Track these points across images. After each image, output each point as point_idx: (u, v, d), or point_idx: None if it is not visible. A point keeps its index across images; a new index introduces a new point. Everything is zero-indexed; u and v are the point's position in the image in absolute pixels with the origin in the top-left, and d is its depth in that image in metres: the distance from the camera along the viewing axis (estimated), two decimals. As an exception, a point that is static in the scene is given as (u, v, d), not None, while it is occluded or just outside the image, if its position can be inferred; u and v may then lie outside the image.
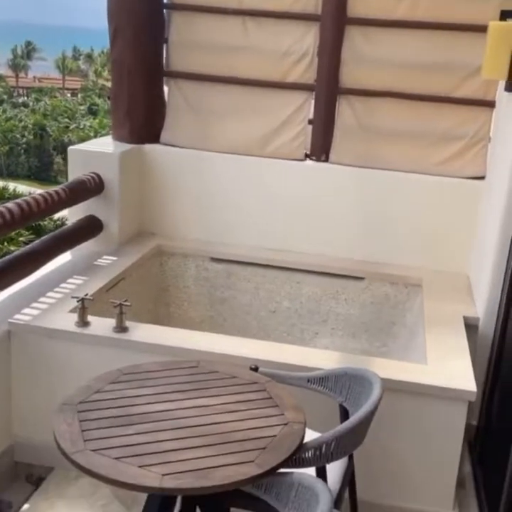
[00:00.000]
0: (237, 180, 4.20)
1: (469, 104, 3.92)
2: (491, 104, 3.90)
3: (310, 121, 4.20)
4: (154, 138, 4.31)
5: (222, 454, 1.96)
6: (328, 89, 4.09)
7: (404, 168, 4.02)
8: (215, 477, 1.86)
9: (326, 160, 4.17)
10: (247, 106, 4.22)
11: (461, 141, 3.98)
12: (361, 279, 4.06)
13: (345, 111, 4.11)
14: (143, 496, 2.25)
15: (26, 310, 3.11)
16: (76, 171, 3.92)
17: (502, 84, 3.59)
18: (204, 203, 4.26)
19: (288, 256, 4.17)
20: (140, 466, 1.88)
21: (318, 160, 4.19)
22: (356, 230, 4.13)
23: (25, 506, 2.85)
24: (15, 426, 3.09)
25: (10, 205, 3.16)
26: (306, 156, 4.23)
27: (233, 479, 1.86)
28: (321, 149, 4.18)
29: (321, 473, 2.16)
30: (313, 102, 4.18)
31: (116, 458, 1.91)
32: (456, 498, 2.85)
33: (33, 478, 3.04)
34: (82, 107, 48.08)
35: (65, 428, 2.02)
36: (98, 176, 3.89)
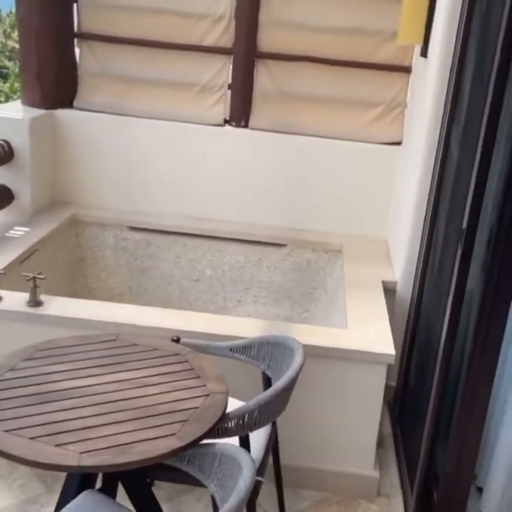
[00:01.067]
0: (155, 146, 4.09)
1: (386, 69, 3.94)
2: (407, 70, 3.94)
3: (229, 86, 4.12)
4: (67, 102, 4.13)
5: (144, 428, 1.92)
6: (246, 53, 4.02)
7: (323, 133, 4.02)
8: (135, 452, 1.82)
9: (246, 126, 4.11)
10: (163, 69, 4.09)
11: (378, 106, 4.00)
12: (283, 246, 4.07)
13: (263, 75, 4.05)
14: (63, 473, 2.19)
15: None
16: (-17, 138, 3.72)
17: (418, 49, 3.63)
18: (121, 170, 4.14)
19: (209, 224, 4.12)
20: (57, 445, 1.82)
21: (237, 125, 4.13)
22: (277, 197, 4.12)
23: None
24: None
25: None
26: (226, 121, 4.16)
27: (154, 454, 1.83)
28: (240, 115, 4.12)
29: (245, 442, 2.16)
30: (231, 66, 4.10)
31: (31, 438, 1.84)
32: (376, 458, 2.93)
33: None
34: (-9, 70, 45.79)
35: (-25, 409, 1.93)
36: (7, 143, 3.70)
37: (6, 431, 1.85)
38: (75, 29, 4.10)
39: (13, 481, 2.81)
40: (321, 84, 4.00)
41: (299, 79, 4.00)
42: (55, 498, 2.39)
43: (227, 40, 4.01)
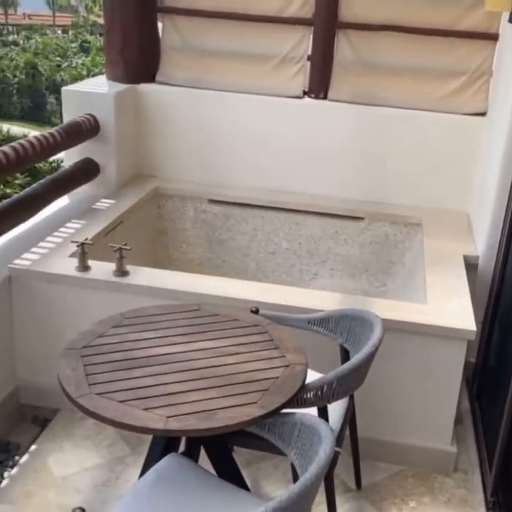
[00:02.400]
0: (235, 119, 4.13)
1: (472, 37, 3.81)
2: (494, 37, 3.80)
3: (308, 57, 4.09)
4: (150, 77, 4.21)
5: (226, 396, 1.99)
6: (327, 24, 3.97)
7: (405, 104, 3.94)
8: (218, 418, 1.89)
9: (325, 97, 4.09)
10: (243, 42, 4.10)
11: (462, 76, 3.89)
12: (361, 219, 4.04)
13: (344, 46, 4.00)
14: (148, 436, 2.30)
15: (26, 255, 3.10)
16: (70, 112, 3.84)
17: (505, 16, 3.49)
18: (202, 143, 4.20)
19: (286, 197, 4.14)
20: (145, 409, 1.91)
21: (316, 97, 4.10)
22: (356, 169, 4.09)
23: (33, 447, 2.91)
24: (19, 369, 3.12)
25: (6, 148, 3.10)
26: (305, 93, 4.14)
27: (236, 420, 1.89)
28: (319, 86, 4.09)
29: (323, 413, 2.19)
30: (311, 37, 4.07)
31: (121, 401, 1.93)
32: (454, 434, 2.92)
33: (39, 419, 3.09)
34: (73, 45, 46.85)
35: (69, 373, 2.04)
36: (93, 117, 3.82)
37: (98, 394, 1.95)
38: (158, 3, 4.15)
39: (100, 441, 2.96)
40: (403, 53, 3.92)
41: (381, 49, 3.93)
42: (140, 459, 2.52)
43: (308, 11, 3.98)
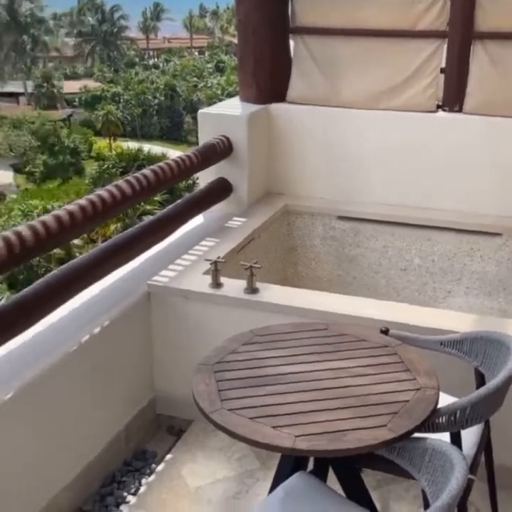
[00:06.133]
0: (364, 136, 4.10)
1: None
2: None
3: (442, 70, 4.00)
4: (280, 97, 4.29)
5: (355, 417, 1.98)
6: (462, 35, 3.86)
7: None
8: (347, 440, 1.88)
9: (460, 110, 3.97)
10: (374, 58, 4.08)
11: None
12: (498, 235, 3.88)
13: (481, 57, 3.86)
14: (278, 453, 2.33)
15: (164, 272, 3.25)
16: (206, 133, 3.99)
17: None
18: (330, 160, 4.21)
19: (418, 212, 4.04)
20: (273, 427, 1.94)
21: (451, 110, 3.99)
22: (492, 183, 3.93)
23: (168, 456, 3.04)
24: (157, 380, 3.28)
25: (146, 171, 3.28)
26: (438, 106, 4.04)
27: (365, 443, 1.88)
28: (454, 99, 3.98)
29: (456, 439, 2.12)
30: (445, 49, 3.97)
31: (251, 418, 1.98)
32: None
33: (174, 429, 3.23)
34: (209, 65, 48.79)
35: (203, 388, 2.12)
36: (227, 138, 3.94)
37: (229, 410, 2.01)
38: (290, 24, 4.22)
39: (232, 453, 3.04)
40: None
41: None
42: (270, 473, 2.55)
43: (442, 23, 3.89)
